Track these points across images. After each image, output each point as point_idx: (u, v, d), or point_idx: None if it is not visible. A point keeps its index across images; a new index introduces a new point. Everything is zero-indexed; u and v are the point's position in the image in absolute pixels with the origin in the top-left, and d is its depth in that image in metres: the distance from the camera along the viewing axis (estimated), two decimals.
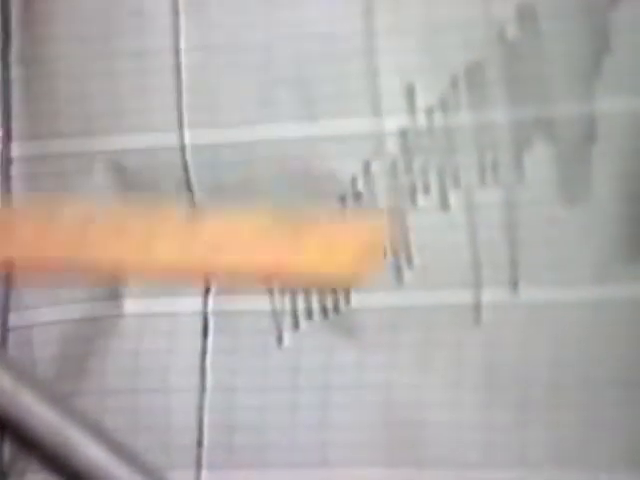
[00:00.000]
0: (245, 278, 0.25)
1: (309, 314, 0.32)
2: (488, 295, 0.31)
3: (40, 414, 0.25)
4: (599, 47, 0.30)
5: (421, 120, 0.31)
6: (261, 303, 0.32)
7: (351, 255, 0.25)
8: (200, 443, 0.32)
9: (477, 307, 0.31)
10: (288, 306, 0.32)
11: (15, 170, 0.33)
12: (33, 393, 0.25)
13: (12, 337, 0.33)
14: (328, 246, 0.25)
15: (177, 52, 0.32)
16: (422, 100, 0.31)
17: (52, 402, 0.25)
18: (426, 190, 0.31)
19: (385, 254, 0.29)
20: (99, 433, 0.25)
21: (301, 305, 0.32)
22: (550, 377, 0.30)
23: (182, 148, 0.32)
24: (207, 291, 0.32)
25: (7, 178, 0.33)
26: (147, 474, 0.25)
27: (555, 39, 0.30)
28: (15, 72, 0.33)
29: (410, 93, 0.31)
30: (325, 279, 0.25)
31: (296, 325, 0.32)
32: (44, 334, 0.32)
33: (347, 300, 0.31)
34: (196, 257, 0.25)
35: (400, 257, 0.31)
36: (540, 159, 0.30)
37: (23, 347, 0.32)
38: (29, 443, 0.25)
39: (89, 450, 0.25)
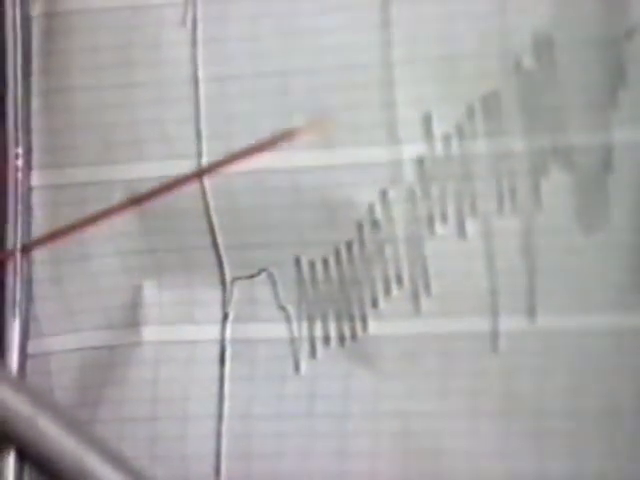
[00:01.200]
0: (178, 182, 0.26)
1: (326, 341, 0.32)
2: (506, 323, 0.31)
3: (58, 440, 0.25)
4: (615, 78, 0.30)
5: (438, 148, 0.31)
6: (278, 331, 0.32)
7: None
8: (218, 471, 0.32)
9: (495, 335, 0.31)
10: (305, 333, 0.32)
11: (35, 198, 0.33)
12: (52, 419, 0.25)
13: (30, 364, 0.33)
14: None
15: (195, 82, 0.32)
16: (439, 129, 0.31)
17: (70, 428, 0.25)
18: (443, 218, 0.31)
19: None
20: (117, 459, 0.25)
21: (318, 332, 0.32)
22: (568, 405, 0.30)
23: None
24: (225, 319, 0.32)
25: (28, 207, 0.33)
26: None
27: (571, 69, 0.30)
28: (35, 103, 0.33)
29: (427, 122, 0.31)
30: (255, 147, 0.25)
31: (313, 352, 0.32)
32: (62, 362, 0.33)
33: (364, 327, 0.31)
34: None
35: (418, 285, 0.31)
36: (557, 187, 0.30)
37: (41, 374, 0.33)
38: (48, 469, 0.25)
39: (107, 476, 0.25)
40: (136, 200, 0.26)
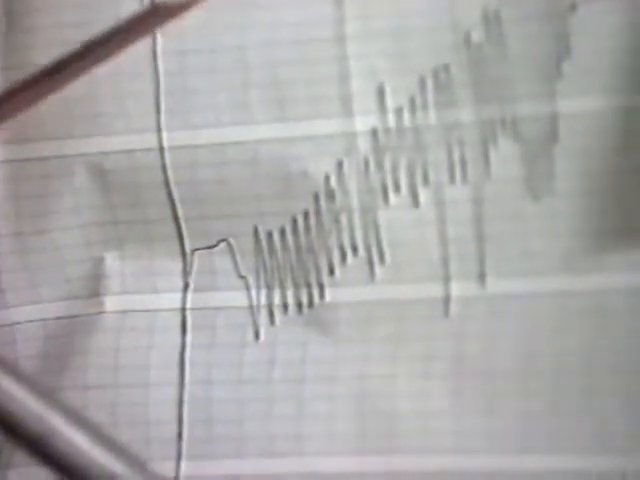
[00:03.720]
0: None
1: (285, 309, 0.33)
2: (457, 288, 0.32)
3: (21, 400, 0.26)
4: (560, 50, 0.31)
5: (391, 120, 0.32)
6: (238, 299, 0.33)
7: None
8: (180, 435, 0.33)
9: (446, 300, 0.32)
10: (264, 301, 0.33)
11: None
12: (15, 381, 0.26)
13: None
14: None
15: (154, 56, 0.33)
16: (392, 101, 0.32)
17: (33, 388, 0.26)
18: (397, 188, 0.32)
19: None
20: (79, 418, 0.26)
21: (277, 300, 0.33)
22: (517, 366, 0.31)
23: (160, 149, 0.33)
24: (186, 288, 0.33)
25: None
26: (126, 458, 0.26)
27: (518, 43, 0.31)
28: None
29: (380, 94, 0.32)
30: None
31: (272, 320, 0.33)
32: (27, 332, 0.33)
33: (321, 295, 0.32)
34: None
35: (372, 253, 0.32)
36: (506, 156, 0.31)
37: (6, 344, 0.33)
38: (10, 429, 0.26)
39: (70, 434, 0.26)
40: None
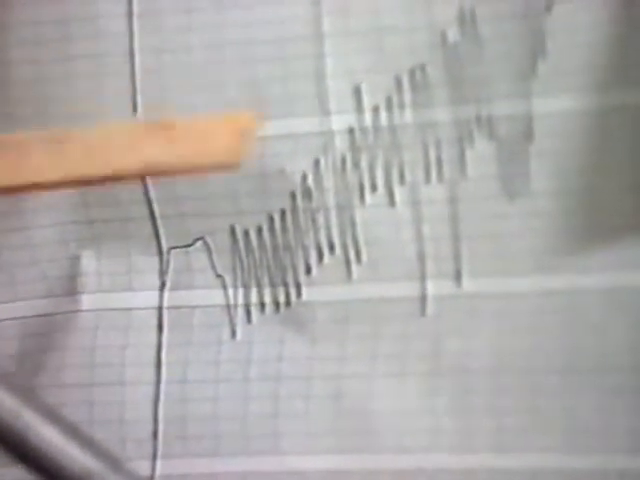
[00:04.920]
0: (120, 177, 0.26)
1: (261, 307, 0.33)
2: (433, 287, 0.32)
3: None
4: (535, 50, 0.31)
5: (367, 119, 0.32)
6: (215, 298, 0.33)
7: (223, 143, 0.25)
8: (155, 434, 0.33)
9: (422, 299, 0.32)
10: (241, 300, 0.33)
11: None
12: None
13: None
14: (200, 138, 0.25)
15: (132, 54, 0.33)
16: (368, 100, 0.32)
17: (9, 386, 0.26)
18: (373, 187, 0.32)
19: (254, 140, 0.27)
20: (55, 416, 0.26)
21: (254, 299, 0.33)
22: (491, 365, 0.31)
23: None
24: (162, 287, 0.33)
25: None
26: (101, 456, 0.26)
27: (494, 42, 0.31)
28: None
29: (357, 93, 0.32)
30: (199, 169, 0.25)
31: (249, 318, 0.33)
32: (3, 330, 0.33)
33: (298, 294, 0.32)
34: (69, 162, 0.25)
35: (349, 252, 0.32)
36: (481, 156, 0.32)
37: None
38: None
39: (45, 432, 0.26)
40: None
